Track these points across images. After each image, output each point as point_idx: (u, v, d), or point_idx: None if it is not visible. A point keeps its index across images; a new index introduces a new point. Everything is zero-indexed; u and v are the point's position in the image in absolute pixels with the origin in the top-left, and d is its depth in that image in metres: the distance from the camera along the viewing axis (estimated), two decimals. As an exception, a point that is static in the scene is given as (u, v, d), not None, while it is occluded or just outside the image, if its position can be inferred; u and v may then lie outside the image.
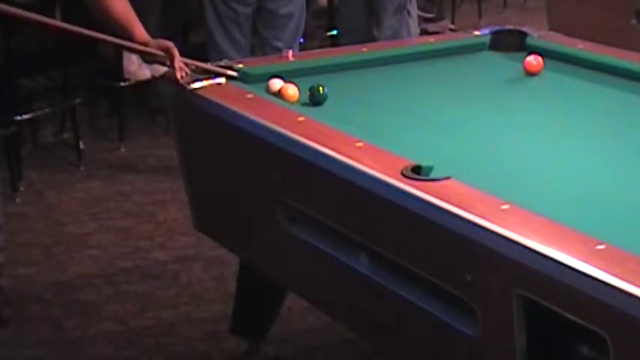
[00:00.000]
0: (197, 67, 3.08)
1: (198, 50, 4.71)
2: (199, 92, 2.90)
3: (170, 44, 3.04)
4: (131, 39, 3.05)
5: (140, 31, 3.08)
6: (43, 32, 4.94)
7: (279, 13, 4.67)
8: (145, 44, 3.06)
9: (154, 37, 3.11)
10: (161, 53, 3.03)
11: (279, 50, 4.40)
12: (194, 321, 3.61)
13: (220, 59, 3.50)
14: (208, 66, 3.10)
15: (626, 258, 1.88)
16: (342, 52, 3.57)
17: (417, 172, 2.28)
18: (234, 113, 2.76)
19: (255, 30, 4.71)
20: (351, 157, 2.39)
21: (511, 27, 3.55)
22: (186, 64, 3.03)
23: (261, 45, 4.71)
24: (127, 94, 5.48)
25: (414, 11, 5.38)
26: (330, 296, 2.65)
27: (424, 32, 6.16)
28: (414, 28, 5.37)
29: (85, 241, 4.26)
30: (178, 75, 2.99)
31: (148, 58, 3.23)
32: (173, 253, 4.15)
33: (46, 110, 5.09)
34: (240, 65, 3.12)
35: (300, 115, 2.67)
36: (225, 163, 2.93)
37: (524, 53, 3.26)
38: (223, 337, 3.39)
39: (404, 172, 2.27)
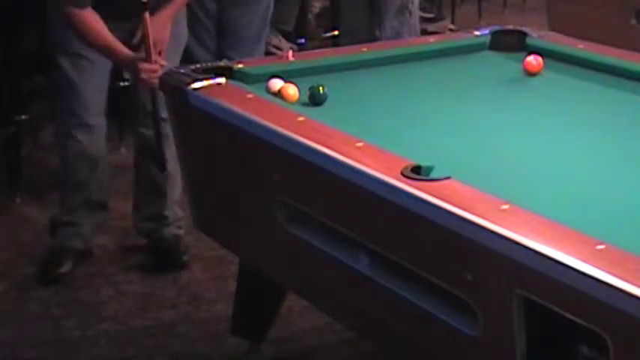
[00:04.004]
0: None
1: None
2: (199, 92, 2.90)
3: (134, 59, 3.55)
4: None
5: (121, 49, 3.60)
6: (43, 32, 4.94)
7: (240, 22, 4.67)
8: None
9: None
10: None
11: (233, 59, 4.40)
12: (194, 321, 3.61)
13: (191, 62, 3.53)
14: None
15: (626, 258, 1.88)
16: (342, 52, 3.56)
17: (417, 172, 2.28)
18: (234, 113, 2.76)
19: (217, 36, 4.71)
20: (351, 157, 2.39)
21: (511, 27, 3.54)
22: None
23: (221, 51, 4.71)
24: (127, 94, 5.46)
25: (416, 11, 5.39)
26: (330, 296, 2.65)
27: (424, 32, 6.16)
28: (415, 28, 5.37)
29: (85, 241, 4.25)
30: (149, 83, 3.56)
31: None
32: (173, 253, 4.14)
33: (46, 110, 5.08)
34: (240, 65, 3.13)
35: (300, 115, 2.67)
36: (225, 163, 2.93)
37: (524, 53, 3.26)
38: (223, 337, 3.39)
39: (404, 172, 2.27)
